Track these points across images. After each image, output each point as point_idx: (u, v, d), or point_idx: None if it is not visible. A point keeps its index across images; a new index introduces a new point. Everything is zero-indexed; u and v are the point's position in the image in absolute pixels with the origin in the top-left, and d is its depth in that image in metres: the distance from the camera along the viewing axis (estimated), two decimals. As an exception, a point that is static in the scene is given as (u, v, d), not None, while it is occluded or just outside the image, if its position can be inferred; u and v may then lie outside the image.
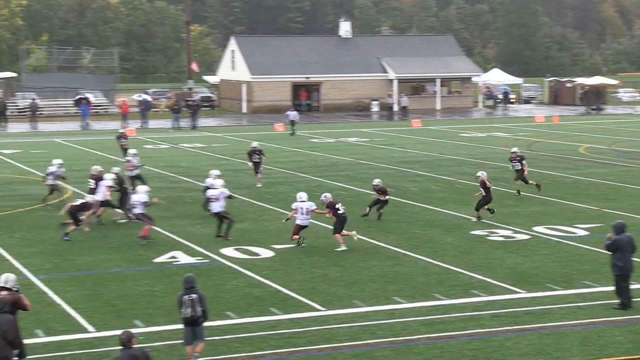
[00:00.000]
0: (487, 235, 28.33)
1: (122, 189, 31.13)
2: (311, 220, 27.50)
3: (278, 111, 78.90)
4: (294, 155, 50.22)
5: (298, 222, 26.58)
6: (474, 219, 30.57)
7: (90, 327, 19.38)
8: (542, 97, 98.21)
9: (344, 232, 26.54)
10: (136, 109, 75.63)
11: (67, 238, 27.75)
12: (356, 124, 72.03)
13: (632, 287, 20.83)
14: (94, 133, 65.34)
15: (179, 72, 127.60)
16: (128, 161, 36.67)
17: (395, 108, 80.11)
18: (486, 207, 30.75)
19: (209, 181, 30.76)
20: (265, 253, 26.18)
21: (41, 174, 41.05)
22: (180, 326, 17.23)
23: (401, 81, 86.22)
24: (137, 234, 27.90)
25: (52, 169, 34.16)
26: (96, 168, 32.04)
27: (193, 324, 16.81)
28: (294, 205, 26.86)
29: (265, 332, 18.91)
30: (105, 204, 30.32)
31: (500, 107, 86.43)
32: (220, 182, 29.17)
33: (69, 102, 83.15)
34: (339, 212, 26.52)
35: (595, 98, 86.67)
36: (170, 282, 22.84)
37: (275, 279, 23.23)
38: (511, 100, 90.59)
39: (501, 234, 28.60)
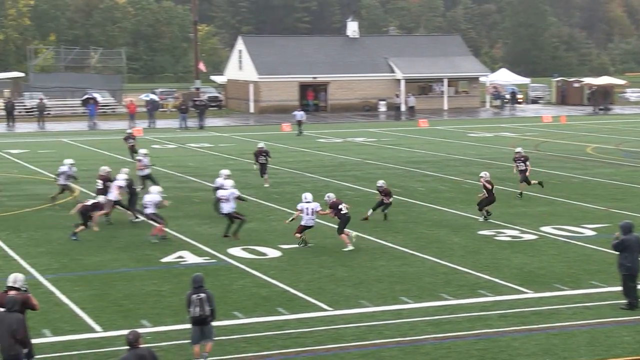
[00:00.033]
0: (495, 236, 28.31)
1: (131, 190, 31.12)
2: (319, 221, 27.52)
3: (285, 111, 78.89)
4: (301, 155, 50.23)
5: (303, 222, 26.61)
6: (481, 219, 30.55)
7: (97, 327, 19.41)
8: (549, 97, 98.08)
9: (346, 230, 26.57)
10: (144, 109, 75.70)
11: (74, 238, 27.80)
12: (363, 124, 72.01)
13: (640, 287, 20.82)
14: (102, 133, 65.42)
15: (187, 72, 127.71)
16: (139, 161, 36.69)
17: (403, 108, 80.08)
18: (486, 208, 30.72)
19: (219, 181, 30.75)
20: (272, 253, 26.20)
21: (48, 174, 41.19)
22: (188, 326, 17.24)
23: (408, 81, 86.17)
24: (147, 233, 27.95)
25: (63, 168, 34.21)
26: (104, 169, 32.09)
27: (201, 323, 16.83)
28: (299, 206, 26.86)
29: (272, 332, 18.91)
30: (116, 203, 30.36)
31: (508, 107, 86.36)
32: (230, 182, 29.17)
33: (76, 102, 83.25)
34: (342, 212, 26.52)
35: (603, 98, 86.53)
36: (178, 282, 22.85)
37: (282, 279, 23.24)
38: (519, 100, 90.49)
39: (508, 234, 28.58)
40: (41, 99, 74.83)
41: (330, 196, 27.24)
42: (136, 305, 21.02)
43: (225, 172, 31.47)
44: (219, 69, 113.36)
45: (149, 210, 27.83)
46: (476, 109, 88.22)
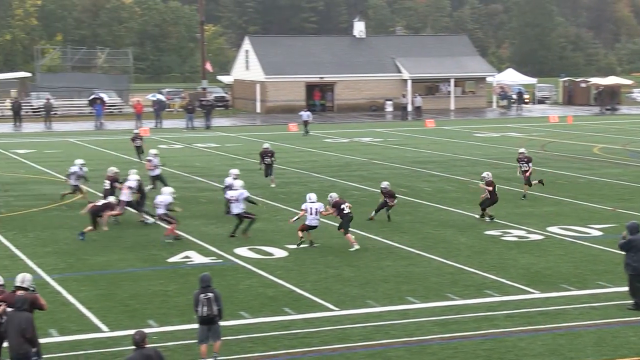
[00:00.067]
0: (501, 236, 28.29)
1: (140, 191, 31.10)
2: (325, 221, 27.53)
3: (292, 111, 78.88)
4: (308, 155, 50.24)
5: (307, 222, 26.62)
6: (487, 219, 30.52)
7: (104, 327, 19.44)
8: (556, 97, 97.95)
9: (349, 235, 26.62)
10: (150, 109, 75.77)
11: (81, 238, 27.83)
12: (370, 124, 72.00)
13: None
14: (108, 133, 65.49)
15: (193, 72, 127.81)
16: (149, 161, 36.67)
17: (409, 108, 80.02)
18: (488, 212, 30.68)
19: (229, 180, 30.72)
20: (279, 253, 26.21)
21: (55, 174, 41.26)
22: (194, 326, 17.26)
23: (415, 81, 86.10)
24: (162, 235, 27.96)
25: (73, 169, 34.23)
26: (112, 169, 32.11)
27: (209, 322, 16.86)
28: (304, 206, 26.87)
29: (278, 332, 18.92)
30: (128, 204, 30.37)
31: (515, 107, 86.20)
32: (240, 182, 29.16)
33: (83, 102, 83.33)
34: (344, 212, 26.53)
35: (610, 98, 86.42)
36: (184, 282, 22.88)
37: (288, 278, 23.24)
38: (525, 101, 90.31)
39: (515, 234, 28.56)
40: (48, 99, 74.92)
41: (333, 196, 27.28)
42: (143, 305, 21.04)
43: (235, 171, 31.43)
44: (225, 69, 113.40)
45: (161, 211, 27.85)
46: (483, 109, 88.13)
